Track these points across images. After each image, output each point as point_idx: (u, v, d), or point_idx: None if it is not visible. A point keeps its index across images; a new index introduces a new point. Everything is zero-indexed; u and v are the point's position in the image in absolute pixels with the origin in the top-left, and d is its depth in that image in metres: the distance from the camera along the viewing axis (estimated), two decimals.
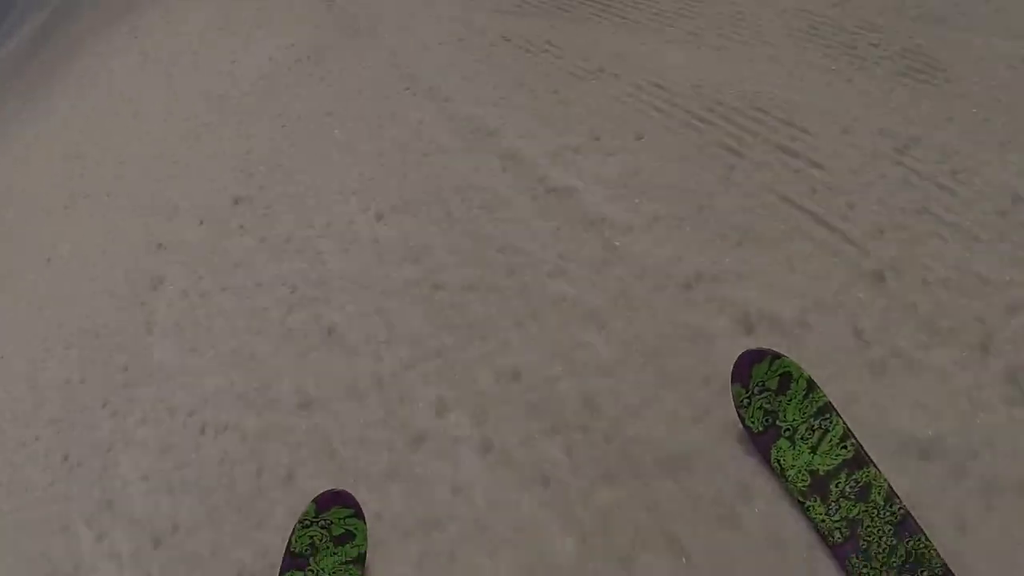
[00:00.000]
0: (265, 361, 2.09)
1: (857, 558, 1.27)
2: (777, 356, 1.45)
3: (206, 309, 2.40)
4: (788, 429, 1.41)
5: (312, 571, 1.41)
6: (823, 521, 1.33)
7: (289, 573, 1.41)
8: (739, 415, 1.46)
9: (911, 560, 1.23)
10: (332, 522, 1.43)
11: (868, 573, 1.26)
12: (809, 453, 1.38)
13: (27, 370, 2.71)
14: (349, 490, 1.49)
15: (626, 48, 2.51)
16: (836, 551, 1.30)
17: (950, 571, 1.19)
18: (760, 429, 1.44)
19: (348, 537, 1.44)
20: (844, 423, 1.37)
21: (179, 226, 2.86)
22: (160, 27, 5.29)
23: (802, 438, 1.40)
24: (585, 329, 1.73)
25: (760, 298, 1.63)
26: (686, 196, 1.91)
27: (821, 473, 1.36)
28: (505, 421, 1.65)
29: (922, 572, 1.21)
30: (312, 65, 3.39)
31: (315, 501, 1.42)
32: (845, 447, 1.35)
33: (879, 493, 1.29)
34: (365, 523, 1.46)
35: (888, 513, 1.28)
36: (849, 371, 1.46)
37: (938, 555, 1.21)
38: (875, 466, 1.31)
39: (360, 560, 1.45)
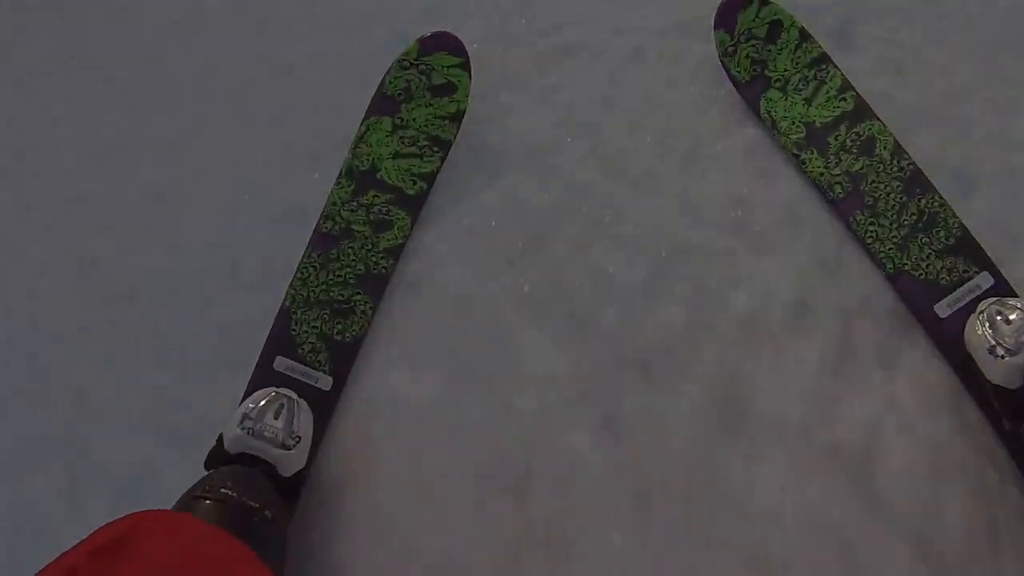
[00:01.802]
0: None
1: (862, 214, 1.02)
2: (765, 2, 1.15)
3: None
4: (779, 80, 1.14)
5: (401, 119, 1.13)
6: (822, 175, 1.07)
7: (375, 118, 1.13)
8: (723, 64, 1.17)
9: (924, 219, 1.00)
10: (434, 68, 1.13)
11: (876, 231, 1.02)
12: (803, 104, 1.11)
13: None
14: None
15: None
16: (838, 207, 1.05)
17: (969, 232, 0.97)
18: (747, 79, 1.16)
19: (449, 89, 1.14)
20: (842, 74, 1.10)
21: None
22: None
23: (795, 89, 1.13)
24: None
25: None
26: None
27: (818, 125, 1.10)
28: None
29: (938, 232, 0.98)
30: None
31: (419, 41, 1.13)
32: (844, 99, 1.10)
33: (884, 147, 1.05)
34: (470, 77, 1.15)
35: (896, 168, 1.04)
36: None
37: (954, 215, 0.99)
38: (879, 119, 1.06)
39: (457, 118, 1.15)
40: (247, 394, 0.94)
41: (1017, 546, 0.85)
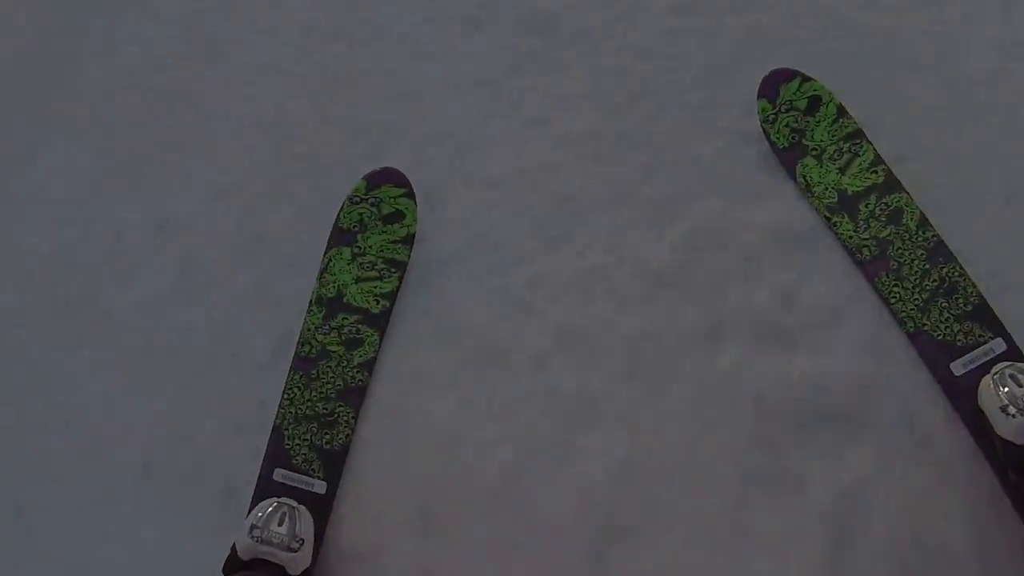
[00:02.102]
0: None
1: (887, 276, 1.10)
2: (807, 79, 1.25)
3: None
4: (815, 148, 1.22)
5: (359, 247, 1.26)
6: (851, 238, 1.15)
7: (336, 249, 1.25)
8: (764, 131, 1.25)
9: (945, 286, 1.07)
10: (382, 200, 1.28)
11: (900, 293, 1.09)
12: (837, 173, 1.19)
13: None
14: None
15: None
16: (865, 268, 1.12)
17: (985, 301, 1.05)
18: (786, 145, 1.23)
19: (398, 217, 1.28)
20: (875, 149, 1.19)
21: None
22: None
23: (830, 158, 1.21)
24: None
25: None
26: None
27: (850, 193, 1.17)
28: None
29: (956, 299, 1.06)
30: None
31: (366, 178, 1.28)
32: (875, 172, 1.18)
33: (911, 218, 1.13)
34: (416, 203, 1.28)
35: (921, 239, 1.12)
36: None
37: (973, 284, 1.07)
38: (907, 193, 1.14)
39: (409, 240, 1.27)
40: (253, 504, 1.05)
41: None
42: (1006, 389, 0.94)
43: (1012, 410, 0.92)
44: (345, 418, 1.14)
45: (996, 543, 0.94)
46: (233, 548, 0.98)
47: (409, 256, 1.27)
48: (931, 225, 1.13)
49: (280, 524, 0.98)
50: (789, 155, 1.22)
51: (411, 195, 1.29)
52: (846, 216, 1.15)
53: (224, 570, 0.98)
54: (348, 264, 1.25)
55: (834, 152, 1.21)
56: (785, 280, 1.14)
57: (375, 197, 1.28)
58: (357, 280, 1.24)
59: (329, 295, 1.22)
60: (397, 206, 1.28)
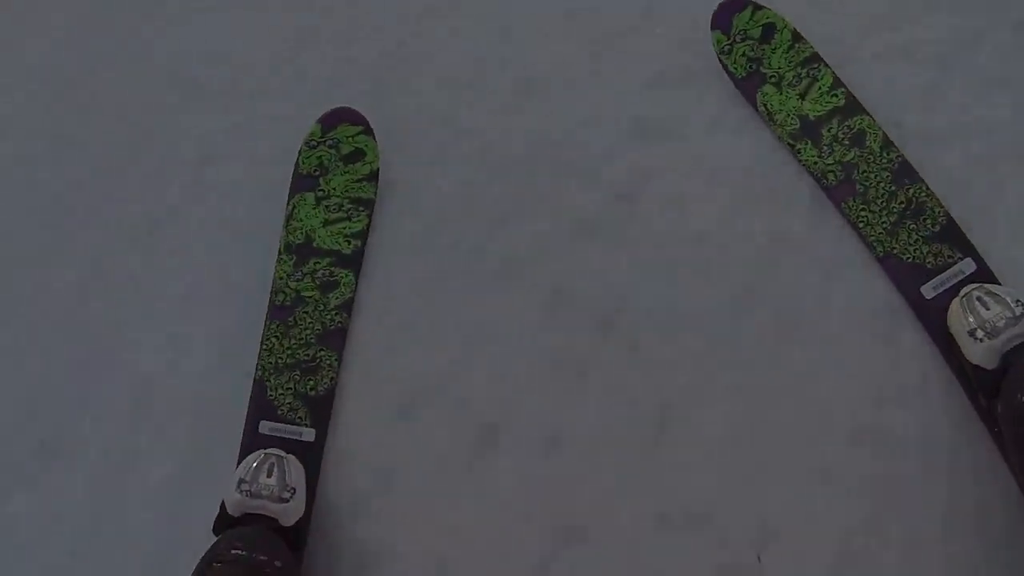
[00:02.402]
0: None
1: (854, 200, 1.07)
2: (759, 7, 1.20)
3: None
4: (773, 76, 1.18)
5: (323, 191, 1.22)
6: (815, 163, 1.11)
7: (299, 195, 1.21)
8: (720, 61, 1.21)
9: (912, 207, 1.04)
10: (340, 140, 1.24)
11: (867, 217, 1.06)
12: (797, 99, 1.15)
13: None
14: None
15: None
16: (831, 194, 1.10)
17: (953, 220, 1.02)
18: (743, 75, 1.19)
19: (359, 155, 1.24)
20: (833, 72, 1.15)
21: None
22: None
23: (789, 84, 1.17)
24: None
25: None
26: None
27: (811, 118, 1.14)
28: None
29: (924, 220, 1.03)
30: None
31: (319, 121, 1.24)
32: (835, 95, 1.14)
33: (874, 140, 1.10)
34: (375, 139, 1.24)
35: (885, 160, 1.08)
36: None
37: (940, 203, 1.04)
38: (869, 114, 1.11)
39: (373, 177, 1.23)
40: (240, 460, 1.01)
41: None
42: (972, 312, 0.91)
43: (980, 334, 0.90)
44: (328, 362, 1.11)
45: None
46: (222, 506, 0.94)
47: (375, 193, 1.23)
48: (895, 146, 1.09)
49: (269, 475, 0.95)
50: (748, 84, 1.17)
51: (369, 131, 1.25)
52: (809, 142, 1.12)
53: (214, 529, 0.94)
54: (313, 208, 1.21)
55: (793, 78, 1.16)
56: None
57: (332, 138, 1.24)
58: (325, 223, 1.20)
59: (297, 241, 1.19)
60: (356, 144, 1.24)
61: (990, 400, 0.91)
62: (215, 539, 0.91)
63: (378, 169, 1.24)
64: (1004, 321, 0.89)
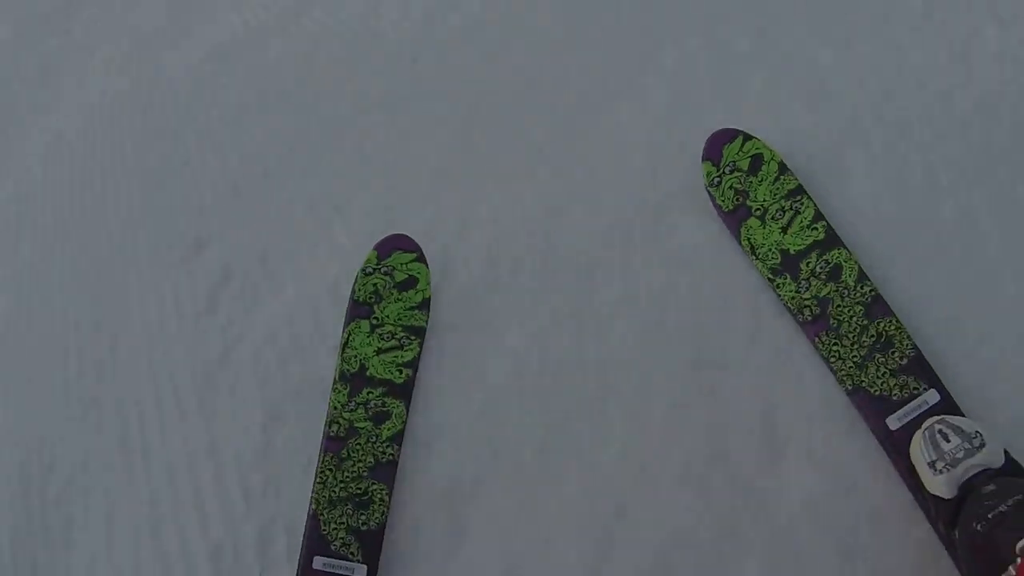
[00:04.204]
0: None
1: (827, 335, 1.12)
2: (749, 137, 1.26)
3: None
4: (759, 209, 1.23)
5: (377, 319, 1.23)
6: (793, 299, 1.16)
7: (354, 322, 1.23)
8: (709, 194, 1.27)
9: (882, 340, 1.09)
10: (395, 268, 1.26)
11: (839, 351, 1.11)
12: (779, 233, 1.21)
13: None
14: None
15: None
16: (806, 329, 1.15)
17: (921, 353, 1.07)
18: (730, 208, 1.25)
19: (411, 283, 1.26)
20: (815, 205, 1.20)
21: None
22: None
23: (772, 218, 1.22)
24: None
25: None
26: None
27: (792, 252, 1.19)
28: None
29: (892, 353, 1.08)
30: None
31: (376, 248, 1.26)
32: (815, 228, 1.19)
33: (850, 274, 1.15)
34: (427, 267, 1.27)
35: (859, 294, 1.13)
36: None
37: (908, 336, 1.09)
38: (846, 247, 1.16)
39: (425, 305, 1.26)
40: None
41: None
42: (932, 446, 0.96)
43: (940, 465, 0.95)
44: (379, 495, 1.12)
45: None
46: None
47: (427, 321, 1.25)
48: (869, 279, 1.15)
49: None
50: (733, 218, 1.24)
51: (422, 259, 1.28)
52: (788, 277, 1.18)
53: None
54: (368, 336, 1.23)
55: (776, 211, 1.22)
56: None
57: (387, 266, 1.27)
58: (378, 352, 1.22)
59: (352, 370, 1.20)
60: (410, 272, 1.27)
61: (947, 528, 0.95)
62: None
63: (429, 297, 1.26)
64: (963, 452, 0.94)
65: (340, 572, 1.07)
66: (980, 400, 1.06)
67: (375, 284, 1.25)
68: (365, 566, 1.07)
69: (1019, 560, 0.80)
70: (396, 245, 1.28)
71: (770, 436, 1.09)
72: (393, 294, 1.25)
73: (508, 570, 1.08)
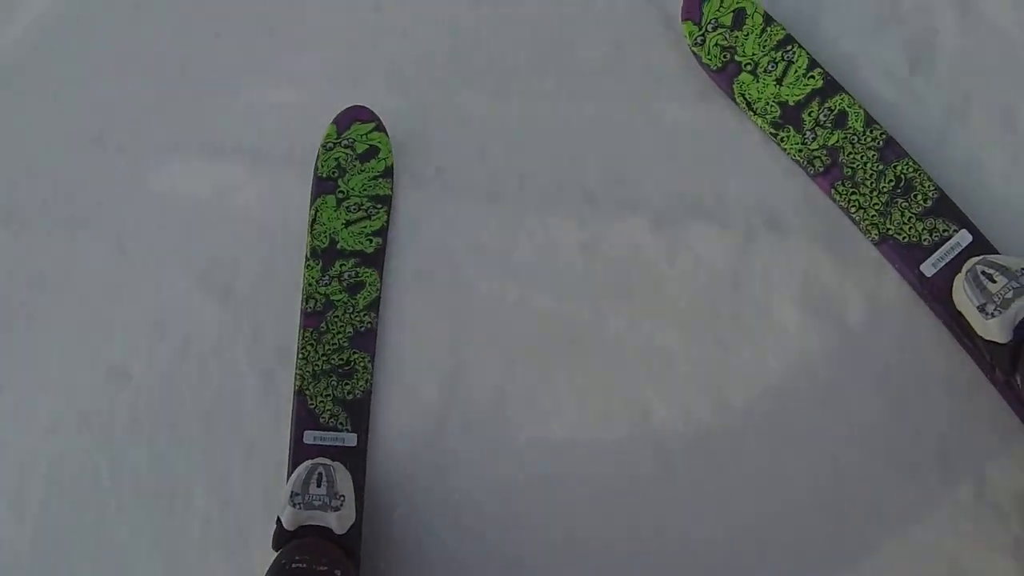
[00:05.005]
0: None
1: (843, 184, 1.00)
2: None
3: None
4: (749, 63, 1.09)
5: (343, 192, 1.19)
6: (800, 151, 1.04)
7: (320, 198, 1.18)
8: (694, 54, 1.12)
9: (902, 184, 0.97)
10: (355, 139, 1.21)
11: (859, 200, 0.99)
12: (775, 85, 1.07)
13: None
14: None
15: None
16: (819, 181, 1.02)
17: (945, 194, 0.95)
18: (719, 66, 1.11)
19: (373, 152, 1.21)
20: (808, 53, 1.07)
21: None
22: None
23: (765, 71, 1.08)
24: None
25: None
26: None
27: (791, 103, 1.05)
28: None
29: (915, 196, 0.96)
30: None
31: (335, 122, 1.21)
32: (812, 77, 1.06)
33: (857, 119, 1.02)
34: (387, 135, 1.21)
35: (869, 139, 1.01)
36: None
37: (930, 178, 0.97)
38: (848, 92, 1.03)
39: (388, 173, 1.21)
40: (289, 472, 1.01)
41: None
42: (979, 287, 0.85)
43: (990, 308, 0.84)
44: (362, 364, 1.10)
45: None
46: (278, 521, 0.93)
47: (391, 188, 1.21)
48: (877, 123, 1.02)
49: (319, 485, 0.94)
50: (723, 76, 1.09)
51: (382, 128, 1.22)
52: (792, 129, 1.04)
53: (273, 546, 0.93)
54: (335, 211, 1.19)
55: (768, 63, 1.08)
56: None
57: (347, 138, 1.21)
58: (347, 224, 1.18)
59: (322, 246, 1.17)
60: (371, 141, 1.21)
61: (1008, 375, 0.84)
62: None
63: (392, 164, 1.21)
64: (1012, 292, 0.83)
65: (331, 443, 1.05)
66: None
67: (337, 158, 1.20)
68: (355, 434, 1.05)
69: None
70: (354, 117, 1.21)
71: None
72: (356, 166, 1.20)
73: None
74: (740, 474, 0.94)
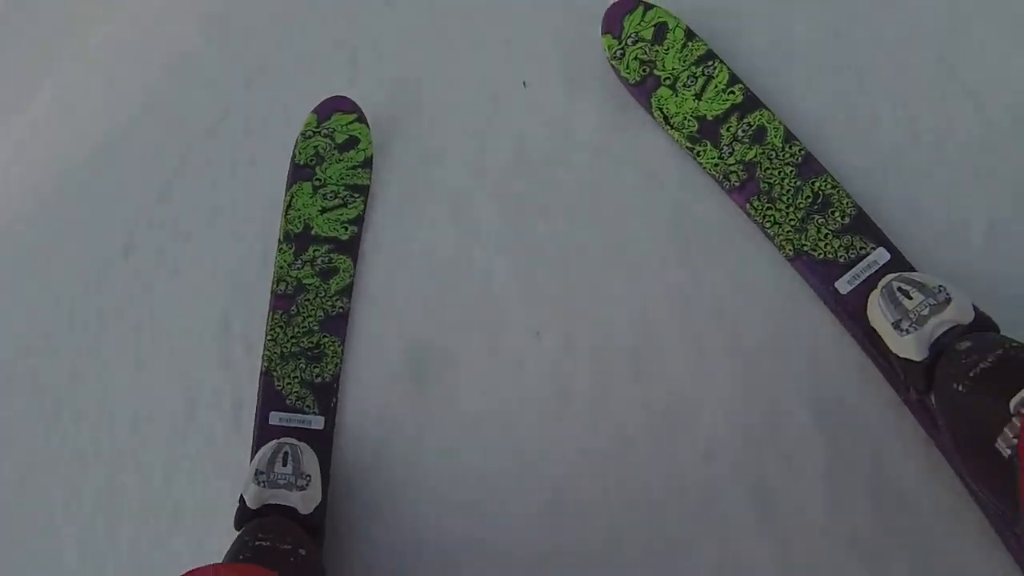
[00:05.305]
0: None
1: (759, 200, 0.96)
2: (650, 6, 1.09)
3: None
4: (668, 78, 1.06)
5: (319, 179, 1.18)
6: (716, 165, 1.00)
7: (296, 184, 1.17)
8: (613, 67, 1.09)
9: (819, 201, 0.94)
10: (335, 129, 1.20)
11: (774, 216, 0.94)
12: (694, 100, 1.04)
13: None
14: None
15: None
16: (734, 196, 0.98)
17: (863, 211, 0.92)
18: (637, 79, 1.07)
19: (353, 143, 1.20)
20: (729, 69, 1.04)
21: None
22: None
23: (684, 85, 1.05)
24: None
25: None
26: None
27: (709, 118, 1.02)
28: None
29: (832, 213, 0.92)
30: None
31: (315, 111, 1.20)
32: (732, 92, 1.03)
33: (775, 135, 0.99)
34: (368, 127, 1.21)
35: (787, 154, 0.97)
36: None
37: (848, 195, 0.93)
38: (768, 108, 1.00)
39: (367, 163, 1.20)
40: (253, 452, 0.99)
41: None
42: (894, 304, 0.80)
43: (905, 324, 0.79)
44: (331, 348, 1.09)
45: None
46: (241, 499, 0.90)
47: (369, 179, 1.20)
48: (797, 139, 0.99)
49: (284, 464, 0.92)
50: (641, 90, 1.06)
51: (363, 119, 1.21)
52: (708, 144, 1.01)
53: (236, 524, 0.89)
54: (311, 197, 1.17)
55: (688, 78, 1.05)
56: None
57: (327, 128, 1.20)
58: (322, 211, 1.17)
59: (296, 230, 1.15)
60: (351, 132, 1.20)
61: (922, 393, 0.80)
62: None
63: (372, 155, 1.21)
64: (928, 309, 0.79)
65: (297, 424, 1.03)
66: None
67: (315, 146, 1.19)
68: (322, 417, 1.04)
69: (1017, 418, 0.64)
70: (336, 107, 1.21)
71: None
72: (335, 155, 1.19)
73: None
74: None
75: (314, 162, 1.19)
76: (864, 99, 1.00)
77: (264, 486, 0.90)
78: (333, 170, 1.18)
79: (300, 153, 1.18)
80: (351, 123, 1.21)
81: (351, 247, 1.15)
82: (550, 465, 0.95)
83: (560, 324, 1.00)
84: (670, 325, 0.95)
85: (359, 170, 1.19)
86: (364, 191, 1.19)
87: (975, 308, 0.79)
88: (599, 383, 0.95)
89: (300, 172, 1.18)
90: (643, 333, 0.96)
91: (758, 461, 0.86)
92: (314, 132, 1.19)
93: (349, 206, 1.17)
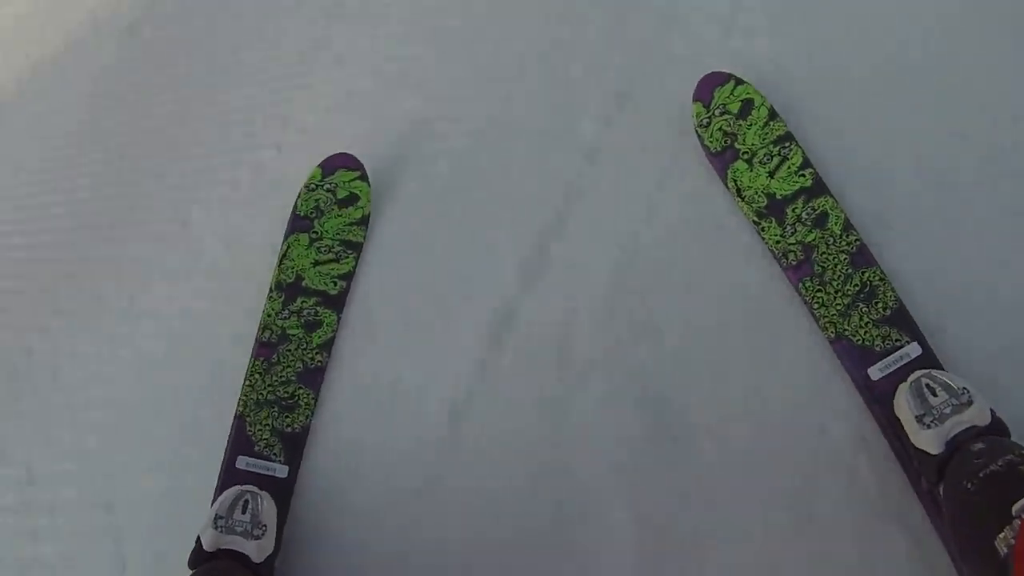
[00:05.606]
0: None
1: (811, 281, 1.05)
2: (740, 81, 1.17)
3: None
4: (746, 152, 1.15)
5: (316, 232, 1.21)
6: (778, 243, 1.09)
7: (294, 235, 1.20)
8: (698, 134, 1.18)
9: (866, 291, 1.02)
10: (337, 185, 1.22)
11: (822, 298, 1.04)
12: (766, 177, 1.12)
13: None
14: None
15: None
16: (789, 274, 1.07)
17: (904, 306, 1.00)
18: (718, 149, 1.15)
19: (352, 199, 1.23)
20: (803, 152, 1.13)
21: None
22: None
23: (760, 162, 1.14)
24: None
25: None
26: None
27: (778, 197, 1.11)
28: None
29: (876, 303, 1.01)
30: None
31: (321, 166, 1.23)
32: (803, 175, 1.12)
33: (836, 223, 1.08)
34: (369, 185, 1.23)
35: (844, 243, 1.06)
36: None
37: (892, 288, 1.02)
38: (833, 196, 1.09)
39: (364, 221, 1.23)
40: (217, 494, 1.00)
41: None
42: (920, 399, 0.89)
43: (928, 419, 0.88)
44: (305, 399, 1.11)
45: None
46: (198, 541, 0.92)
47: (364, 236, 1.23)
48: (855, 229, 1.08)
49: (244, 512, 0.94)
50: (720, 160, 1.15)
51: (364, 178, 1.24)
52: (774, 221, 1.10)
53: (190, 564, 0.92)
54: (306, 249, 1.20)
55: (764, 155, 1.14)
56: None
57: (330, 183, 1.23)
58: (315, 264, 1.19)
59: (288, 280, 1.17)
60: (352, 189, 1.23)
61: (933, 484, 0.89)
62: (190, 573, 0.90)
63: (369, 214, 1.24)
64: (950, 408, 0.87)
65: (262, 471, 1.04)
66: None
67: (317, 200, 1.22)
68: (287, 466, 1.06)
69: (1019, 521, 0.73)
70: (340, 163, 1.24)
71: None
72: (334, 210, 1.22)
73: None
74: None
75: (314, 215, 1.22)
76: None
77: (222, 531, 0.91)
78: (330, 224, 1.21)
79: (302, 204, 1.21)
80: (353, 180, 1.23)
81: (338, 302, 1.17)
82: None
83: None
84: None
85: (355, 227, 1.22)
86: (358, 248, 1.21)
87: (993, 413, 0.88)
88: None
89: (299, 223, 1.21)
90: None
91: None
92: (317, 186, 1.22)
93: (342, 261, 1.20)
